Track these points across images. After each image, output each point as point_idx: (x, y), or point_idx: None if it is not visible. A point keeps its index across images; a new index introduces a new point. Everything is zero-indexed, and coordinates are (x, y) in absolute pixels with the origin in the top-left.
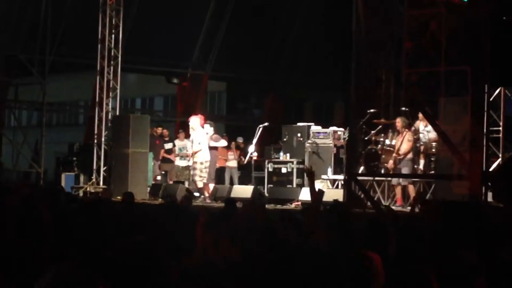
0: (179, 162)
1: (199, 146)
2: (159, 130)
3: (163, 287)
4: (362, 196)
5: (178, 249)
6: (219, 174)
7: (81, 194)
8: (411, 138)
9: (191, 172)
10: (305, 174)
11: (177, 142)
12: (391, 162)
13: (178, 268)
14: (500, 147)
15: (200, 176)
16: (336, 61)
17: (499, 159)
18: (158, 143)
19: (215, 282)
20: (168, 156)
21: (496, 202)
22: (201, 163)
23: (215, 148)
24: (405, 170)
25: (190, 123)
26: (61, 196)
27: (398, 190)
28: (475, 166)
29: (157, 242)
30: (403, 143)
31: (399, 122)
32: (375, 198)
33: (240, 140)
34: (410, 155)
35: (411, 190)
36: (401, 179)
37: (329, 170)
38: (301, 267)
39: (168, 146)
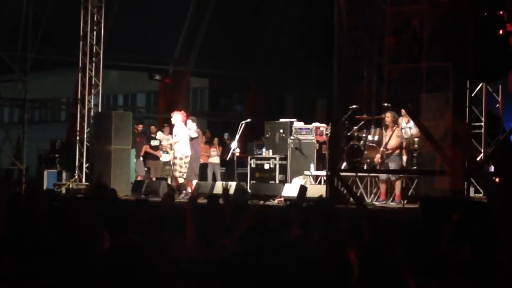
0: (163, 157)
1: (176, 138)
2: (140, 127)
3: (151, 284)
4: (345, 192)
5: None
6: (201, 170)
7: (63, 191)
8: (400, 134)
9: (172, 168)
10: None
11: (161, 135)
12: (378, 156)
13: (165, 264)
14: (482, 143)
15: (180, 172)
16: (318, 57)
17: (481, 155)
18: (139, 140)
19: (202, 278)
20: (154, 153)
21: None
22: (181, 158)
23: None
24: (392, 166)
25: (172, 119)
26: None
27: (383, 186)
28: (457, 161)
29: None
30: (392, 138)
31: (388, 117)
32: (358, 194)
33: (226, 136)
34: (398, 151)
35: (397, 185)
36: (390, 175)
37: (312, 166)
38: (287, 262)
39: (155, 142)
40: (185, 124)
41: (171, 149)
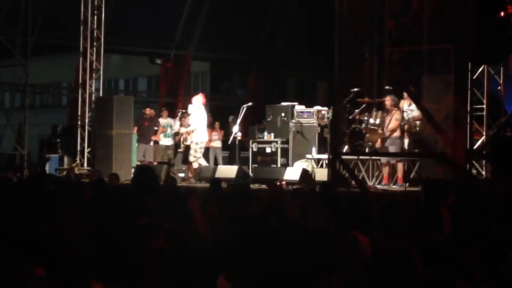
0: (163, 141)
1: (194, 126)
2: (148, 111)
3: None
4: (347, 175)
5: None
6: (203, 155)
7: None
8: (399, 117)
9: (188, 152)
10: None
11: (160, 120)
12: (379, 140)
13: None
14: (484, 125)
15: (195, 157)
16: (319, 40)
17: (483, 137)
18: (147, 125)
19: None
20: (155, 137)
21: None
22: (196, 143)
23: None
24: (392, 149)
25: (192, 102)
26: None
27: (386, 169)
28: (458, 144)
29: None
30: (391, 121)
31: (388, 100)
32: (360, 177)
33: (230, 119)
34: (397, 134)
35: (400, 168)
36: (391, 158)
37: (314, 150)
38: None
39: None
40: (204, 105)
41: (188, 134)
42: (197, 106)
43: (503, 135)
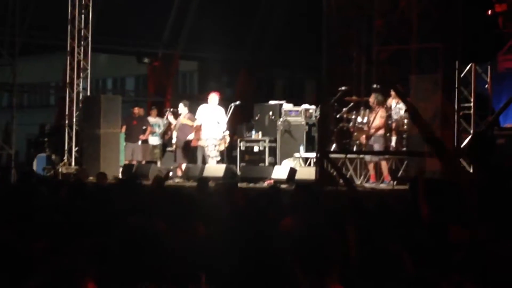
0: (151, 140)
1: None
2: (136, 110)
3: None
4: (335, 173)
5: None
6: (191, 153)
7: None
8: (384, 115)
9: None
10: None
11: (149, 119)
12: (363, 137)
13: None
14: (471, 124)
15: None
16: (307, 39)
17: (470, 136)
18: (135, 124)
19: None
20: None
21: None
22: (206, 139)
23: (189, 126)
24: (376, 146)
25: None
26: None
27: (371, 167)
28: (446, 142)
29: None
30: (375, 119)
31: (372, 98)
32: (348, 176)
33: None
34: (381, 131)
35: (384, 166)
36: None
37: (301, 148)
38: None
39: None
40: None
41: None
42: (212, 104)
43: (490, 133)
